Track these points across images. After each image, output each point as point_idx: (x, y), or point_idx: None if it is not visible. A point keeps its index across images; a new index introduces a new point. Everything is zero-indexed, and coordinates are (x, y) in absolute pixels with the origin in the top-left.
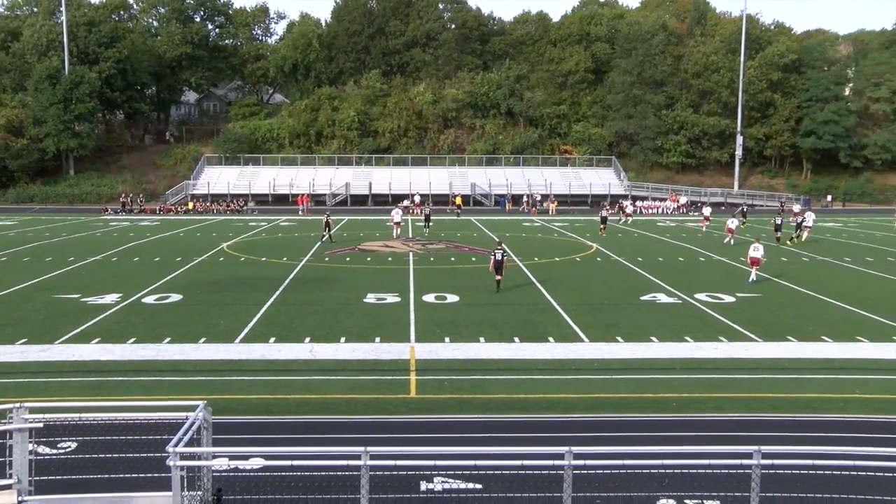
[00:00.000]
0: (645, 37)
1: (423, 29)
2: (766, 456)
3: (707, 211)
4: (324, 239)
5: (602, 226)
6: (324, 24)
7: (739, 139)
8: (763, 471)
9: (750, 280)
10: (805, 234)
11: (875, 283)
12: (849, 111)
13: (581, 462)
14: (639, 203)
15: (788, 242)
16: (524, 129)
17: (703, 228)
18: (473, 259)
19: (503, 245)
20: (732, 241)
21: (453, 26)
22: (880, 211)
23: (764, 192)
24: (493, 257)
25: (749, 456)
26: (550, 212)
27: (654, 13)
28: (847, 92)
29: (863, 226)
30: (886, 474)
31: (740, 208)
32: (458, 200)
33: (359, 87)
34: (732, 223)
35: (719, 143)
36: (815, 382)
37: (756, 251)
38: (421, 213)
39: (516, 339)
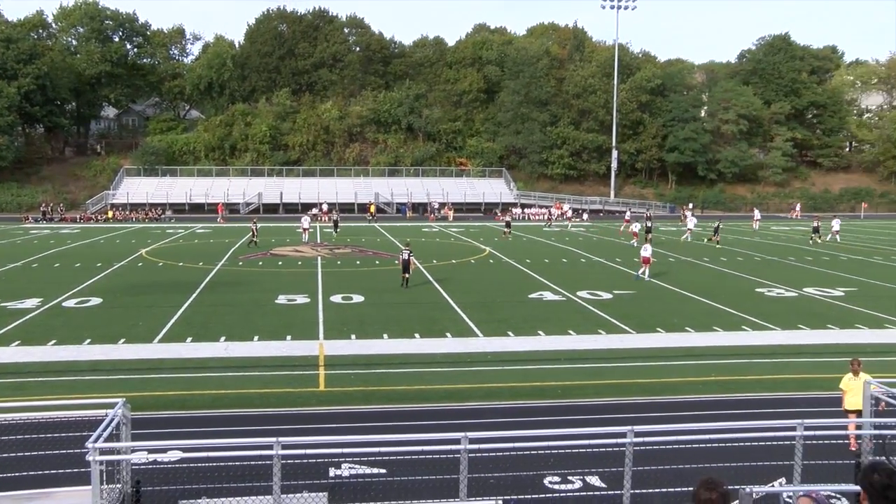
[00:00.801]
0: (531, 61)
1: (330, 51)
2: (638, 434)
3: (635, 223)
4: (250, 245)
5: (506, 230)
6: (237, 45)
7: (614, 153)
8: (635, 448)
9: (640, 275)
10: (687, 236)
11: (728, 280)
12: (704, 130)
13: (476, 446)
14: (527, 210)
15: (706, 241)
16: (423, 143)
17: (634, 240)
18: (377, 262)
19: (410, 246)
20: (636, 243)
21: (358, 49)
22: (733, 217)
23: (636, 200)
24: (401, 257)
25: (623, 435)
26: (449, 218)
27: (539, 40)
28: (702, 114)
29: (725, 231)
30: (739, 444)
31: (717, 224)
32: (372, 208)
33: (270, 104)
34: (636, 227)
35: (597, 157)
36: (680, 368)
37: (646, 251)
38: (329, 220)
39: (417, 335)
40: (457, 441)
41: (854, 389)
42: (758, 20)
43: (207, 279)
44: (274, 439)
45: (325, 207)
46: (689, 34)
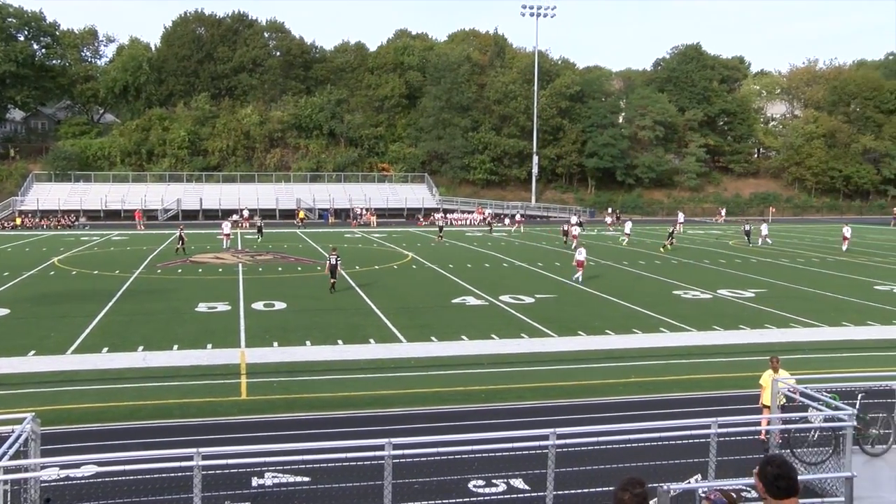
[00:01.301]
0: (452, 67)
1: (250, 55)
2: (560, 437)
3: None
4: (178, 251)
5: (440, 235)
6: (154, 48)
7: (535, 159)
8: (558, 450)
9: (576, 278)
10: (626, 240)
11: (646, 283)
12: (622, 136)
13: (400, 452)
14: (449, 215)
15: (661, 249)
16: (345, 149)
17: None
18: (299, 269)
19: (337, 251)
20: (575, 244)
21: (278, 53)
22: (648, 221)
23: (557, 205)
24: (328, 262)
25: (546, 438)
26: (371, 224)
27: (460, 46)
28: (620, 120)
29: (637, 234)
30: (658, 443)
31: (672, 229)
32: (301, 214)
33: (189, 108)
34: (576, 230)
35: (518, 162)
36: (601, 370)
37: (580, 254)
38: (250, 226)
39: (340, 341)
40: (381, 447)
41: (771, 385)
42: (672, 30)
43: (124, 288)
44: (194, 450)
45: (245, 213)
46: (606, 42)
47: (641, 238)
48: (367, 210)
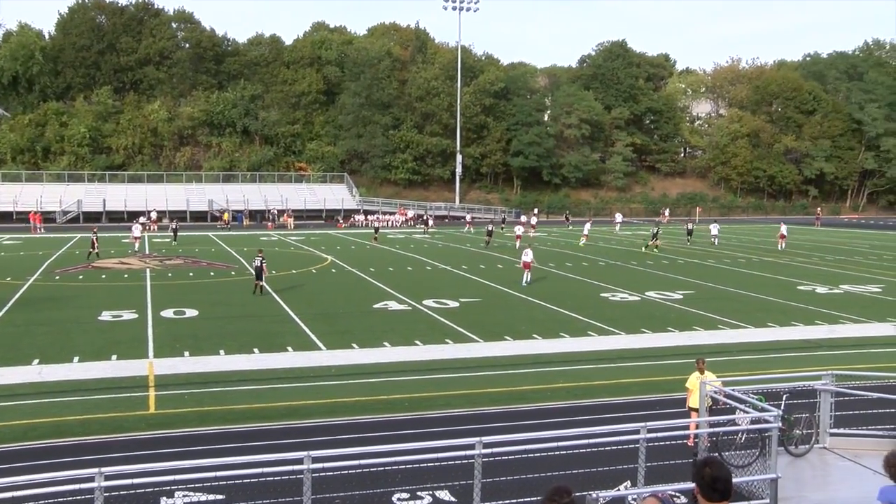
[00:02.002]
0: (372, 62)
1: (156, 47)
2: (486, 445)
3: (587, 229)
4: (89, 256)
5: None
6: (48, 36)
7: (459, 158)
8: (484, 459)
9: (524, 282)
10: (583, 241)
11: (573, 286)
12: (548, 134)
13: (320, 465)
14: (370, 217)
15: (644, 249)
16: (260, 147)
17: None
18: (212, 274)
19: (263, 253)
20: (518, 245)
21: (187, 46)
22: (577, 222)
23: (482, 205)
24: (253, 263)
25: (472, 447)
26: (288, 226)
27: (381, 40)
28: (546, 118)
29: (563, 234)
30: (587, 450)
31: (656, 230)
32: (226, 216)
33: (89, 102)
34: (519, 230)
35: (442, 161)
36: (528, 376)
37: (527, 256)
38: (159, 228)
39: (256, 349)
40: (300, 461)
41: (699, 388)
42: (597, 26)
43: (17, 296)
44: (96, 470)
45: (153, 216)
46: (531, 38)
47: (568, 239)
48: (283, 211)
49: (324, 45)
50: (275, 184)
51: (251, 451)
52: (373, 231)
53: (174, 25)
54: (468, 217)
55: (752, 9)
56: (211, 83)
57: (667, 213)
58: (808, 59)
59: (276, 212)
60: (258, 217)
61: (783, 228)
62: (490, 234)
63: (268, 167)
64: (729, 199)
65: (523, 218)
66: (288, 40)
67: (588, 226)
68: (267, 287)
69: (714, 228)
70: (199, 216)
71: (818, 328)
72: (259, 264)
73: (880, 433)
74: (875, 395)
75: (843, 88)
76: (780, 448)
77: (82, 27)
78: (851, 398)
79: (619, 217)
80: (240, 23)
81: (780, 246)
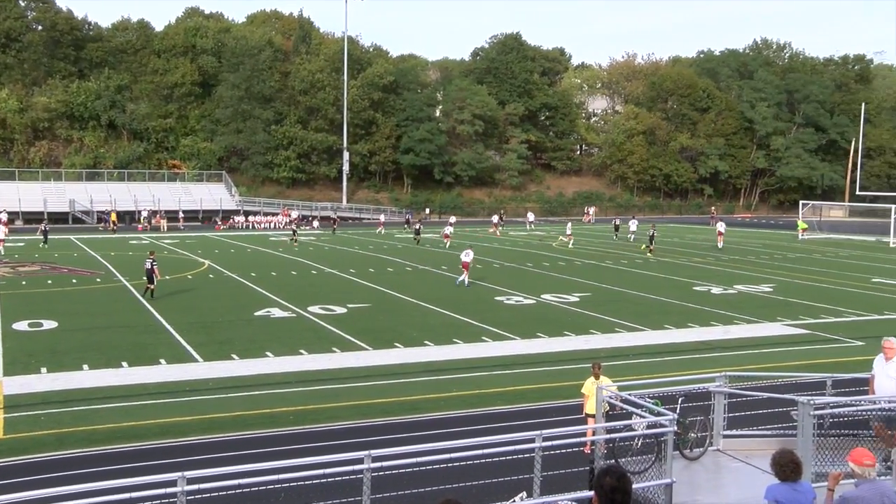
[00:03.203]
0: (252, 52)
1: (3, 28)
2: (375, 459)
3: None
4: None
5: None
6: None
7: (346, 155)
8: (374, 473)
9: (460, 281)
10: (569, 241)
11: (466, 289)
12: (440, 131)
13: (195, 486)
14: (251, 218)
15: (649, 254)
16: (129, 143)
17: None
18: (74, 281)
19: (154, 254)
20: (448, 245)
21: (40, 28)
22: (469, 222)
23: (371, 205)
24: (144, 265)
25: (361, 461)
26: (161, 228)
27: (261, 29)
28: (437, 113)
29: (457, 236)
30: (481, 461)
31: (651, 232)
32: (114, 217)
33: None
34: (449, 230)
35: (328, 159)
36: (420, 384)
37: (467, 256)
38: (10, 231)
39: (125, 363)
40: (173, 482)
41: (595, 394)
42: (491, 18)
43: None
44: None
45: (4, 217)
46: (422, 29)
47: (461, 241)
48: (156, 212)
49: (198, 33)
50: (146, 182)
51: (119, 475)
52: (292, 233)
53: (23, 4)
54: (382, 218)
55: (646, 3)
56: (70, 71)
57: (592, 212)
58: (701, 55)
59: (147, 213)
60: (127, 219)
61: (720, 226)
62: (418, 231)
63: (137, 164)
64: (626, 198)
65: (452, 219)
66: (158, 26)
67: (570, 225)
68: (136, 294)
69: (633, 225)
70: (59, 218)
71: (714, 329)
72: (150, 266)
73: (769, 433)
74: (765, 395)
75: (735, 86)
76: (676, 452)
77: None
78: (744, 399)
79: (531, 217)
80: (102, 5)
81: (719, 244)
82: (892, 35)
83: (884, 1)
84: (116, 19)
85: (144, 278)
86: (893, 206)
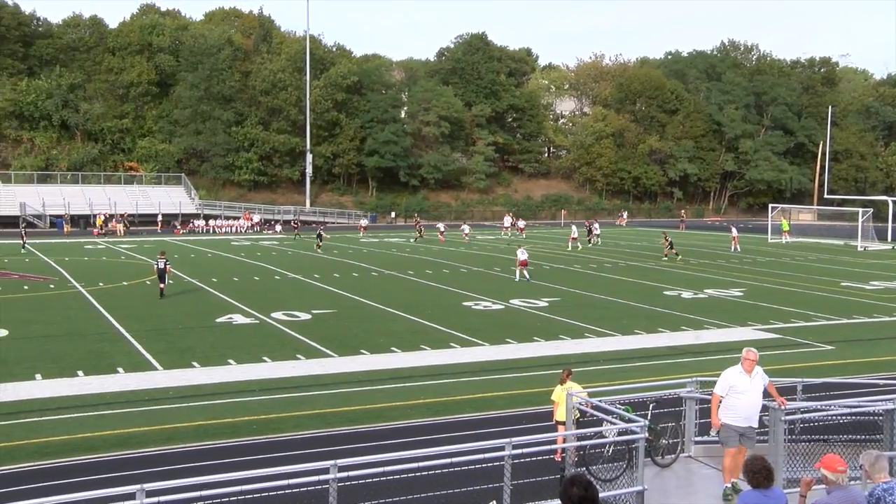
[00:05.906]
0: (211, 51)
1: None
2: (342, 469)
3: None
4: None
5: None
6: None
7: (309, 157)
8: (340, 483)
9: (523, 279)
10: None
11: (434, 294)
12: (405, 132)
13: (155, 500)
14: (212, 222)
15: (678, 258)
16: (83, 144)
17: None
18: (26, 287)
19: (166, 255)
20: (443, 239)
21: None
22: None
23: (335, 209)
24: (156, 266)
25: (326, 471)
26: (119, 233)
27: (220, 27)
28: (403, 115)
29: (426, 241)
30: (450, 470)
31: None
32: (100, 221)
33: None
34: (441, 226)
35: (290, 161)
36: (386, 392)
37: (523, 254)
38: None
39: (80, 372)
40: (132, 496)
41: (565, 400)
42: (456, 17)
43: None
44: None
45: None
46: (386, 28)
47: (428, 246)
48: (112, 216)
49: (155, 31)
50: (101, 185)
51: (74, 489)
52: (316, 238)
53: None
54: (363, 223)
55: (613, 3)
56: (19, 68)
57: (625, 215)
58: (669, 57)
59: (103, 217)
60: (81, 223)
61: (734, 230)
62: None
63: (92, 166)
64: (594, 202)
65: (466, 228)
66: (112, 23)
67: (574, 228)
68: (93, 300)
69: (595, 228)
70: (9, 222)
71: (684, 334)
72: (162, 266)
73: None
74: None
75: (703, 88)
76: (647, 459)
77: None
78: None
79: (507, 221)
80: (51, 3)
81: (733, 248)
82: (856, 38)
83: (848, 3)
84: (67, 15)
85: (157, 278)
86: (861, 210)
